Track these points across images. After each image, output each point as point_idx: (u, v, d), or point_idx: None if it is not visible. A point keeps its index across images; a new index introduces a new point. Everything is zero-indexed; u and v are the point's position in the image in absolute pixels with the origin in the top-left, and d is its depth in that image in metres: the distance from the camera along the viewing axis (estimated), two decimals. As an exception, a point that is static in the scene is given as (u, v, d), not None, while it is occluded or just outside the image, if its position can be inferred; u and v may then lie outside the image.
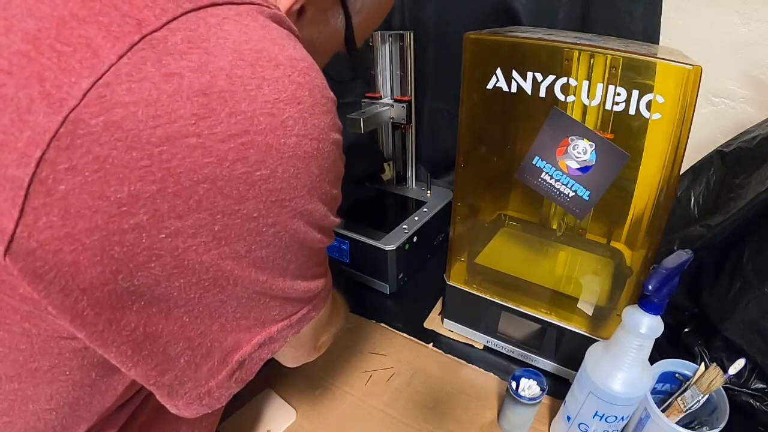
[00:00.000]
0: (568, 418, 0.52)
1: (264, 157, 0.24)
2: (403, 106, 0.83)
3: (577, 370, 0.51)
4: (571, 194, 0.52)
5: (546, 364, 0.64)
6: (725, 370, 0.46)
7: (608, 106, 0.47)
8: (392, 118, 0.86)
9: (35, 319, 0.24)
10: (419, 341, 0.70)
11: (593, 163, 0.49)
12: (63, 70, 0.21)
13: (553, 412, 0.58)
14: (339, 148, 0.29)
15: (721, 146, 0.65)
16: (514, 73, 0.50)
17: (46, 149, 0.20)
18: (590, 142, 0.49)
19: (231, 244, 0.25)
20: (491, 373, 0.65)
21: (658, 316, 0.43)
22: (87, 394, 0.30)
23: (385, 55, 0.83)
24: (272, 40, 0.25)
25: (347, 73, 0.44)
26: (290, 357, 0.43)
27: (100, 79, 0.21)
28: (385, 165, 0.95)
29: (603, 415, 0.48)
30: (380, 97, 0.85)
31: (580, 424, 0.50)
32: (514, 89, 0.51)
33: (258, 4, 0.27)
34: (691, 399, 0.47)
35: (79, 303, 0.23)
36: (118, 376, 0.31)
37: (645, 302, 0.43)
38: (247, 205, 0.24)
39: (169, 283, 0.24)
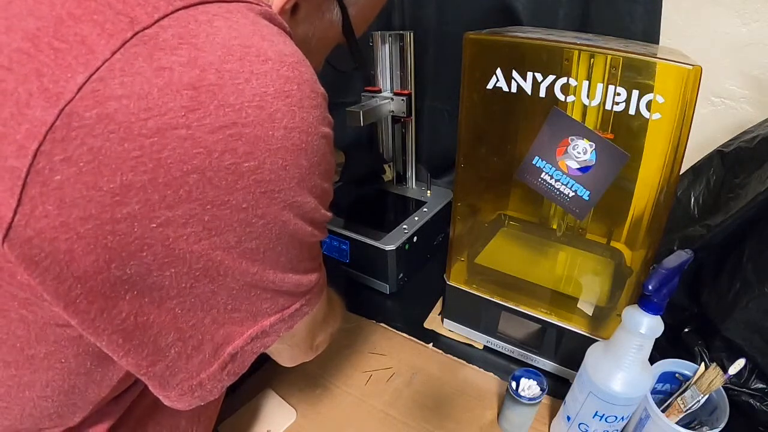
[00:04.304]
0: (568, 418, 0.52)
1: (252, 148, 0.24)
2: (402, 99, 0.83)
3: (577, 370, 0.51)
4: (571, 194, 0.52)
5: (546, 364, 0.64)
6: (725, 370, 0.46)
7: (608, 106, 0.47)
8: (392, 111, 0.86)
9: (32, 306, 0.25)
10: (419, 341, 0.70)
11: (593, 163, 0.49)
12: (60, 66, 0.21)
13: (553, 412, 0.58)
14: (329, 142, 0.29)
15: (721, 146, 0.65)
16: (514, 73, 0.50)
17: (43, 141, 0.21)
18: (590, 142, 0.49)
19: (221, 235, 0.25)
20: (491, 373, 0.65)
21: (658, 316, 0.43)
22: (82, 383, 0.31)
23: (385, 55, 0.83)
24: (262, 35, 0.26)
25: (349, 64, 0.44)
26: (287, 356, 0.43)
27: (94, 74, 0.21)
28: (386, 166, 0.95)
29: (603, 415, 0.48)
30: (380, 91, 0.85)
31: (580, 424, 0.50)
32: (514, 89, 0.51)
33: (248, 1, 0.27)
34: (691, 399, 0.47)
35: (73, 290, 0.23)
36: (113, 366, 0.31)
37: (645, 302, 0.43)
38: (236, 196, 0.25)
39: (161, 272, 0.25)
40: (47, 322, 0.26)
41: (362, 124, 0.76)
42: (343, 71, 0.46)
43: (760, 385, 0.55)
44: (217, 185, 0.24)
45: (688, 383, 0.49)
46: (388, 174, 0.96)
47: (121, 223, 0.22)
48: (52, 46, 0.21)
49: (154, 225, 0.23)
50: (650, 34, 0.71)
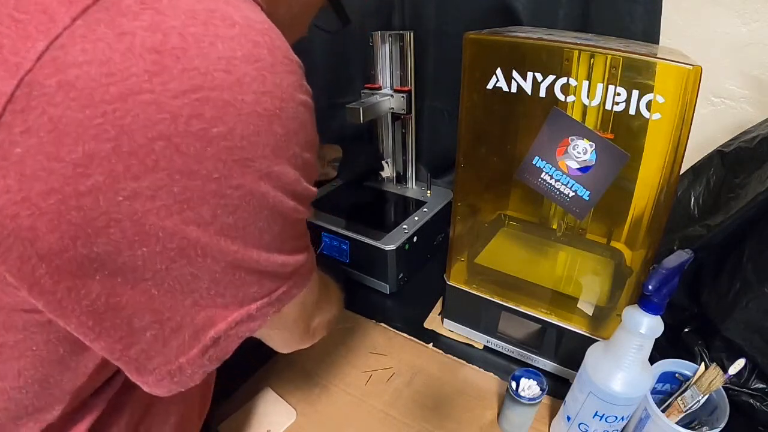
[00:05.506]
0: (568, 418, 0.52)
1: (220, 113, 0.23)
2: (402, 96, 0.83)
3: (577, 370, 0.51)
4: (571, 194, 0.52)
5: (546, 364, 0.64)
6: (725, 370, 0.46)
7: (608, 106, 0.47)
8: (392, 108, 0.86)
9: None
10: (419, 341, 0.70)
11: (593, 163, 0.49)
12: (21, 37, 0.21)
13: (553, 412, 0.58)
14: (309, 111, 0.28)
15: (721, 146, 0.65)
16: (514, 73, 0.50)
17: (2, 113, 0.20)
18: (590, 142, 0.49)
19: (194, 208, 0.24)
20: (491, 373, 0.65)
21: (658, 316, 0.43)
22: (57, 372, 0.30)
23: (385, 55, 0.83)
24: (226, 1, 0.25)
25: (335, 25, 0.44)
26: (279, 340, 0.42)
27: (54, 41, 0.21)
28: (384, 163, 0.95)
29: (603, 415, 0.48)
30: (380, 88, 0.85)
31: (580, 424, 0.50)
32: (514, 89, 0.51)
33: None
34: (691, 399, 0.47)
35: (37, 270, 0.23)
36: (87, 352, 0.30)
37: (645, 302, 0.43)
38: (206, 165, 0.23)
39: (132, 251, 0.24)
40: (14, 308, 0.25)
41: (362, 120, 0.76)
42: (329, 31, 0.46)
43: (760, 385, 0.55)
44: (184, 152, 0.23)
45: (688, 383, 0.49)
46: (387, 171, 0.95)
47: (86, 197, 0.22)
48: (12, 18, 0.21)
49: (121, 198, 0.22)
50: (650, 34, 0.71)
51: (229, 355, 0.32)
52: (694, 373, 0.49)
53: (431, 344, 0.70)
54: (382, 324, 0.73)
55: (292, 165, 0.27)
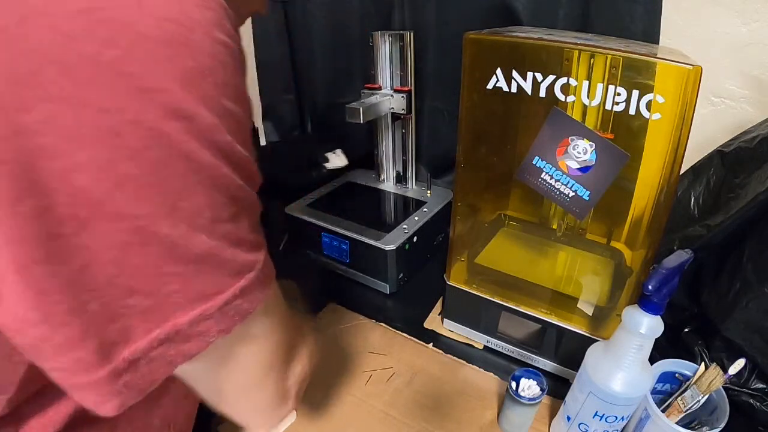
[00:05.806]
0: (568, 418, 0.52)
1: (115, 35, 0.21)
2: (402, 96, 0.83)
3: (577, 370, 0.51)
4: (571, 194, 0.52)
5: (546, 364, 0.64)
6: (725, 370, 0.46)
7: (608, 106, 0.47)
8: (392, 108, 0.86)
9: None
10: (419, 341, 0.70)
11: (593, 163, 0.49)
12: None
13: (553, 412, 0.58)
14: (232, 56, 0.25)
15: (721, 146, 0.65)
16: (514, 73, 0.51)
17: None
18: (590, 142, 0.49)
19: (85, 149, 0.21)
20: (491, 373, 0.65)
21: (658, 316, 0.43)
22: None
23: (385, 55, 0.83)
24: None
25: None
26: (246, 405, 0.35)
27: None
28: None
29: (603, 415, 0.48)
30: (380, 88, 0.86)
31: (580, 424, 0.50)
32: (514, 89, 0.51)
33: None
34: (691, 399, 0.47)
35: None
36: None
37: (645, 302, 0.43)
38: (98, 92, 0.21)
39: (14, 208, 0.20)
40: None
41: (362, 120, 0.76)
42: (284, 0, 0.44)
43: (760, 385, 0.55)
44: (75, 79, 0.20)
45: (688, 383, 0.49)
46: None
47: None
48: None
49: (8, 133, 0.20)
50: (650, 34, 0.71)
51: (155, 384, 0.25)
52: (694, 373, 0.49)
53: (431, 344, 0.70)
54: (382, 324, 0.73)
55: (209, 109, 0.23)
